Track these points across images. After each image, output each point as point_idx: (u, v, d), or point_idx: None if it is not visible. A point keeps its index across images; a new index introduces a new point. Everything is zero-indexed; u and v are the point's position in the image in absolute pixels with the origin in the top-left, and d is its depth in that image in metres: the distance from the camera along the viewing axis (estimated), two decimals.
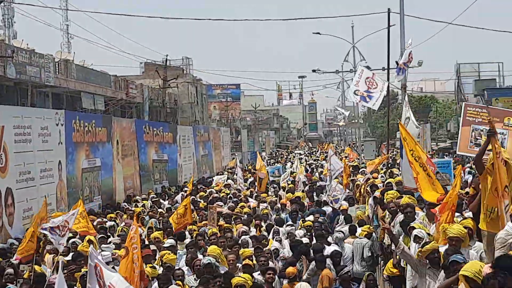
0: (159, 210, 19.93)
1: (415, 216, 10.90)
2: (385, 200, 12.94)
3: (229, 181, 28.13)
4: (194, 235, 13.45)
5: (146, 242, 12.70)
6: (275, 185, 26.09)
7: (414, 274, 9.24)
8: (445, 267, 7.55)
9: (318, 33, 28.98)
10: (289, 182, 25.48)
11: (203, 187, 27.72)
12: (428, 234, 9.31)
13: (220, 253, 10.99)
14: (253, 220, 15.94)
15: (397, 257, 9.74)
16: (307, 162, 41.22)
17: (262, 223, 15.42)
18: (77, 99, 36.60)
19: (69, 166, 21.38)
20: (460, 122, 15.46)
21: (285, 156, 56.45)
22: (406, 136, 11.45)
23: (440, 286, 7.47)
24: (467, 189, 12.59)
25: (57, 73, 33.17)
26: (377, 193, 15.61)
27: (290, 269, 9.69)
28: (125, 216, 19.02)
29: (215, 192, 23.94)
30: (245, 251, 10.74)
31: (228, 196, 22.32)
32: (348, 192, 18.91)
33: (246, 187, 25.49)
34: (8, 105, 23.10)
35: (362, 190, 18.73)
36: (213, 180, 31.15)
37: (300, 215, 16.31)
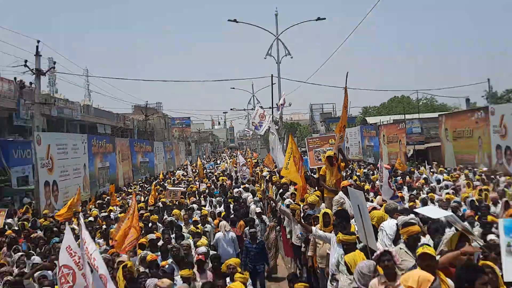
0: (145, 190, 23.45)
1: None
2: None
3: (184, 173, 31.94)
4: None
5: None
6: (210, 174, 29.88)
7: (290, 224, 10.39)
8: (304, 220, 8.83)
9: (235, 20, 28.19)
10: (219, 172, 29.58)
11: (170, 176, 31.68)
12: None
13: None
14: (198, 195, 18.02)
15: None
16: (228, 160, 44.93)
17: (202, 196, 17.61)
18: (94, 127, 42.95)
19: (90, 166, 24.93)
20: (307, 149, 17.36)
21: (216, 158, 65.19)
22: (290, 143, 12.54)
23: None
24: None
25: (82, 112, 39.49)
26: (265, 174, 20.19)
27: None
28: (123, 194, 22.18)
29: (177, 179, 27.31)
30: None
31: (183, 181, 25.47)
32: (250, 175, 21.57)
33: (194, 176, 27.59)
34: (53, 132, 27.55)
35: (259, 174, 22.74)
36: (176, 172, 36.02)
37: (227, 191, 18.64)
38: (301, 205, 10.31)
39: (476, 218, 9.13)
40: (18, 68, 22.57)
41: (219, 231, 10.56)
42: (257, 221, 11.79)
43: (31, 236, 11.82)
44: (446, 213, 5.61)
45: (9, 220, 14.48)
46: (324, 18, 28.37)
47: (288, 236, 10.60)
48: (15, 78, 28.79)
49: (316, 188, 11.40)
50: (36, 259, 8.91)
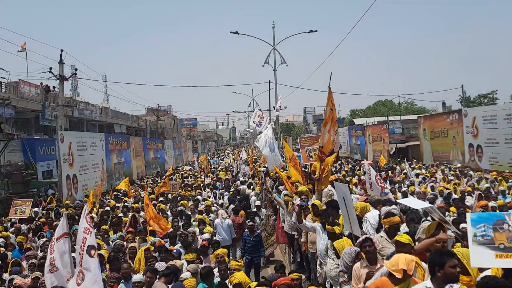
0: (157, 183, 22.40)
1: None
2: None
3: (191, 168, 32.07)
4: None
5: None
6: (214, 169, 29.92)
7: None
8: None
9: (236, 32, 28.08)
10: (223, 167, 29.72)
11: (178, 170, 31.48)
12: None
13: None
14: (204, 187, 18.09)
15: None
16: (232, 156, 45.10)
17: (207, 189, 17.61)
18: (111, 127, 43.04)
19: (107, 162, 24.83)
20: (299, 147, 17.23)
21: (219, 155, 64.14)
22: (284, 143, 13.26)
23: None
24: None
25: (100, 114, 39.54)
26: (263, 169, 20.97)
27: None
28: (137, 187, 22.08)
29: (185, 173, 27.06)
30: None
31: (190, 175, 25.33)
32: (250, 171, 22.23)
33: (199, 170, 28.10)
34: (74, 131, 27.89)
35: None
36: (184, 167, 35.75)
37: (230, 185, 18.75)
38: (294, 197, 10.28)
39: (450, 208, 9.14)
40: (44, 74, 22.72)
41: (217, 218, 10.65)
42: (256, 218, 11.49)
43: (54, 224, 11.69)
44: (426, 205, 5.60)
45: (36, 209, 14.52)
46: (316, 31, 28.40)
47: (282, 224, 10.55)
48: (41, 83, 28.90)
49: (308, 181, 11.32)
50: None
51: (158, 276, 6.02)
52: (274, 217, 11.93)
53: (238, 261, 6.59)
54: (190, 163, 39.59)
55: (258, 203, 13.13)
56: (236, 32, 28.38)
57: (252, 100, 50.35)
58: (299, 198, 9.98)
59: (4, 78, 24.33)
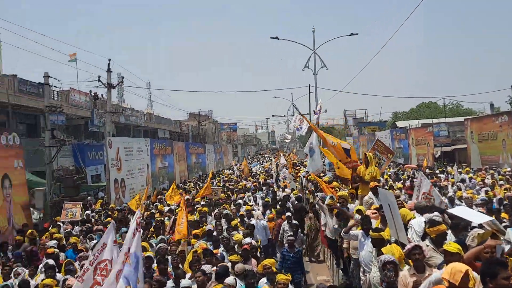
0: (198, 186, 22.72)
1: None
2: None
3: (231, 172, 32.68)
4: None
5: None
6: (254, 173, 29.45)
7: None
8: (337, 216, 8.89)
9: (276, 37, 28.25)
10: (262, 171, 29.82)
11: (219, 174, 32.12)
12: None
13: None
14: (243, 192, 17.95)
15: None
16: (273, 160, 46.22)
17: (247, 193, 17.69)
18: (155, 132, 44.12)
19: (152, 166, 25.39)
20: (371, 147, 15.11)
21: (259, 159, 63.67)
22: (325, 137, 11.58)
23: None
24: None
25: (145, 119, 40.68)
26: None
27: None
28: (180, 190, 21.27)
29: (225, 177, 27.62)
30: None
31: (231, 180, 25.43)
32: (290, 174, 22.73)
33: (239, 174, 28.53)
34: (121, 137, 28.61)
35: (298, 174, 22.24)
36: (224, 171, 36.56)
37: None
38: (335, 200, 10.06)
39: (502, 215, 8.71)
40: (93, 83, 23.47)
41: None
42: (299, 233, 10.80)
43: (95, 228, 11.92)
44: (487, 218, 5.22)
45: (87, 212, 15.06)
46: (357, 33, 28.07)
47: (323, 228, 10.44)
48: (90, 91, 29.97)
49: (351, 186, 11.09)
50: None
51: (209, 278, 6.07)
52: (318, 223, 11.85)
53: (286, 275, 6.25)
54: (231, 167, 40.02)
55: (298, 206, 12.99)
56: (276, 38, 28.54)
57: (291, 104, 50.32)
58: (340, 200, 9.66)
59: (56, 87, 25.41)
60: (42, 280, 6.99)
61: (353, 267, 7.96)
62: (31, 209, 15.25)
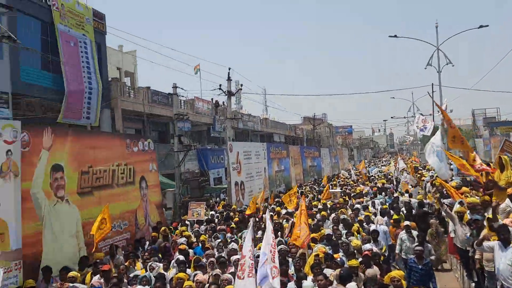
0: (314, 190, 23.54)
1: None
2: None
3: (347, 175, 31.69)
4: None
5: None
6: (372, 177, 28.67)
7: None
8: (470, 224, 8.34)
9: (395, 36, 27.29)
10: (380, 175, 28.74)
11: (335, 178, 31.65)
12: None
13: None
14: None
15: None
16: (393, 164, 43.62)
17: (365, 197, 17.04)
18: (271, 136, 45.20)
19: (269, 170, 26.07)
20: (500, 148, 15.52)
21: (376, 162, 60.57)
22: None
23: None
24: None
25: (261, 124, 42.10)
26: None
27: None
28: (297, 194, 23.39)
29: (341, 181, 26.91)
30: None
31: (348, 184, 24.82)
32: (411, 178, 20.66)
33: (357, 179, 27.70)
34: (240, 141, 29.23)
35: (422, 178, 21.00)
36: (341, 173, 35.63)
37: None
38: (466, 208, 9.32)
39: None
40: (215, 91, 24.98)
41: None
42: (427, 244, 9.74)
43: (218, 228, 12.52)
44: None
45: (212, 212, 16.03)
46: (487, 25, 25.51)
47: (452, 235, 9.72)
48: (212, 99, 32.07)
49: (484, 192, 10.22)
50: (234, 245, 9.62)
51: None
52: (444, 229, 11.10)
53: None
54: (347, 170, 39.29)
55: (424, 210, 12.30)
56: (395, 36, 27.35)
57: (412, 104, 47.69)
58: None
59: (183, 96, 27.68)
60: (176, 274, 7.57)
61: (488, 281, 7.28)
62: (163, 208, 16.68)
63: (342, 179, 28.75)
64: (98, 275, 8.01)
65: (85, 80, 19.01)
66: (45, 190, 9.51)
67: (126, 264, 9.08)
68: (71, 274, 8.00)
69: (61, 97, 17.79)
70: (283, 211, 14.87)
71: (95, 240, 9.40)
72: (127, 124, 23.11)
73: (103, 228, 9.64)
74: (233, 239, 10.80)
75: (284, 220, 12.81)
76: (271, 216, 13.44)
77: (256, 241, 8.71)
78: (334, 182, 25.74)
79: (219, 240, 10.55)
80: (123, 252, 10.53)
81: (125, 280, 7.92)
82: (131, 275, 8.09)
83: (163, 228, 12.31)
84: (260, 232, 10.67)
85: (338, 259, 7.86)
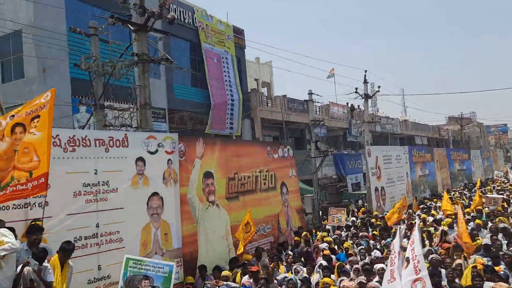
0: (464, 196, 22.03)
1: None
2: None
3: (504, 179, 28.77)
4: None
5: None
6: None
7: None
8: None
9: None
10: None
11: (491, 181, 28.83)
12: None
13: None
14: None
15: None
16: None
17: None
18: (411, 139, 42.83)
19: (411, 174, 24.61)
20: None
21: None
22: None
23: None
24: None
25: (401, 126, 40.21)
26: None
27: None
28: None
29: (497, 186, 24.61)
30: None
31: (506, 189, 22.82)
32: None
33: None
34: (378, 145, 29.05)
35: None
36: (494, 177, 32.41)
37: None
38: None
39: None
40: (350, 95, 24.61)
41: None
42: None
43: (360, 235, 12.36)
44: None
45: (353, 218, 15.85)
46: None
47: None
48: (347, 103, 31.72)
49: None
50: (378, 253, 9.36)
51: None
52: None
53: None
54: (504, 174, 35.15)
55: None
56: None
57: None
58: None
59: (318, 102, 27.85)
60: (320, 279, 7.63)
61: None
62: (304, 213, 16.92)
63: (498, 183, 25.75)
64: (247, 276, 8.44)
65: (228, 93, 20.44)
66: (199, 195, 10.42)
67: (271, 266, 9.40)
68: (224, 273, 8.60)
69: (207, 110, 19.41)
70: (430, 218, 13.94)
71: (243, 242, 9.95)
72: (266, 132, 24.12)
73: (248, 231, 10.13)
74: (377, 246, 10.51)
75: (432, 228, 11.97)
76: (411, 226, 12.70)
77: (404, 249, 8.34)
78: (489, 187, 23.18)
79: (362, 247, 10.35)
80: (267, 255, 10.92)
81: (275, 281, 8.19)
82: (278, 277, 8.36)
83: (304, 232, 12.49)
84: (405, 240, 10.11)
85: (501, 272, 7.06)
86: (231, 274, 8.86)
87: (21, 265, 5.18)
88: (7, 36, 15.70)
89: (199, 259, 9.90)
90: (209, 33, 20.10)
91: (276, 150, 14.30)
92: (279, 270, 9.23)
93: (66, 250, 5.82)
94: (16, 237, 5.47)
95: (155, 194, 8.87)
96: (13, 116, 6.06)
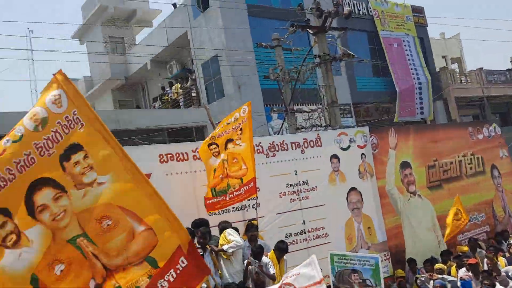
0: None
1: None
2: None
3: None
4: None
5: None
6: None
7: None
8: None
9: None
10: None
11: None
12: None
13: None
14: None
15: None
16: None
17: None
18: None
19: None
20: None
21: None
22: None
23: None
24: None
25: None
26: None
27: None
28: None
29: None
30: None
31: None
32: None
33: None
34: None
35: None
36: None
37: None
38: None
39: None
40: None
41: None
42: None
43: None
44: None
45: None
46: None
47: None
48: None
49: None
50: None
51: None
52: None
53: None
54: None
55: None
56: None
57: None
58: None
59: None
60: None
61: None
62: None
63: None
64: (463, 268, 7.85)
65: (414, 77, 19.34)
66: (398, 186, 10.11)
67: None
68: (437, 266, 8.21)
69: (393, 98, 18.68)
70: None
71: (455, 231, 9.31)
72: (462, 112, 21.92)
73: (459, 219, 9.48)
74: None
75: None
76: None
77: None
78: None
79: None
80: (485, 246, 9.94)
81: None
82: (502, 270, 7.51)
83: None
84: None
85: None
86: (445, 267, 8.33)
87: (245, 261, 5.97)
88: (206, 62, 18.11)
89: (407, 252, 9.61)
90: (385, 20, 19.40)
91: (479, 130, 12.89)
92: (499, 263, 8.35)
93: (281, 248, 6.45)
94: (239, 235, 6.28)
95: (353, 189, 8.98)
96: (213, 137, 6.96)
